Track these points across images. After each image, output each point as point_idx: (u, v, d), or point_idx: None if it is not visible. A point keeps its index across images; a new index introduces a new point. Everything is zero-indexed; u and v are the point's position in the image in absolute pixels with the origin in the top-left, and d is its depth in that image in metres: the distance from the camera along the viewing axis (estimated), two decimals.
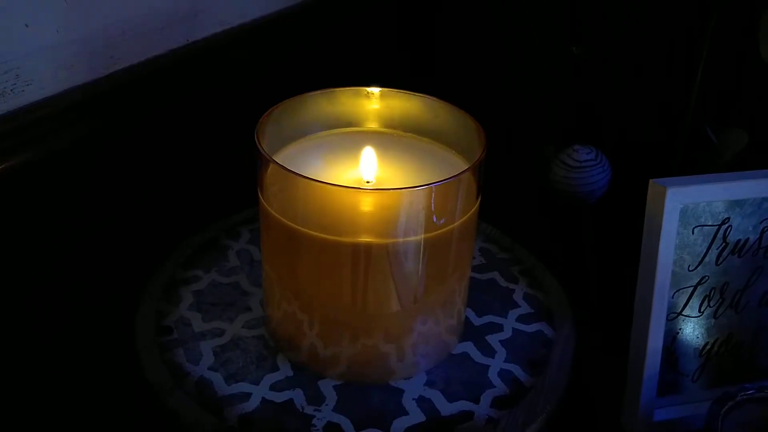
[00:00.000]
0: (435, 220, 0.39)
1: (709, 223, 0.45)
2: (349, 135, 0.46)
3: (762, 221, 0.45)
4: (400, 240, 0.39)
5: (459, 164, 0.44)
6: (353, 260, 0.40)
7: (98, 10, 0.49)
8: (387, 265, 0.40)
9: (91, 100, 0.49)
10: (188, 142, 0.55)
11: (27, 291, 0.47)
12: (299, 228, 0.40)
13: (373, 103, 0.46)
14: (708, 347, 0.47)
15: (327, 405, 0.41)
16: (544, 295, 0.49)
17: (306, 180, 0.38)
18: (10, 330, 0.46)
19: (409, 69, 0.67)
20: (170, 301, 0.47)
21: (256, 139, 0.41)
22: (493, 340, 0.45)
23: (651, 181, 0.44)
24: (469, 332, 0.46)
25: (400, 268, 0.40)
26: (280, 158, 0.43)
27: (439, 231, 0.39)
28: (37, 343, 0.48)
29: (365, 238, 0.39)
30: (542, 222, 0.63)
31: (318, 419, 0.40)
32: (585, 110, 0.63)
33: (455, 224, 0.40)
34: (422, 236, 0.39)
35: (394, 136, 0.46)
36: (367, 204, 0.39)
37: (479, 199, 0.41)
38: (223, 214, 0.54)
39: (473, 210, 0.41)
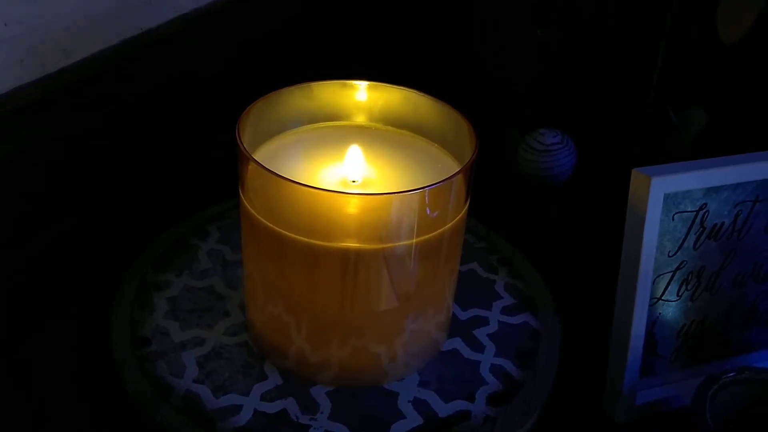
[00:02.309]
0: (427, 222, 0.38)
1: (689, 209, 0.45)
2: (331, 129, 0.44)
3: (736, 205, 0.46)
4: (391, 245, 0.38)
5: (444, 159, 0.43)
6: (342, 265, 0.38)
7: (48, 1, 0.46)
8: (378, 269, 0.39)
9: (44, 98, 0.46)
10: (148, 136, 0.52)
11: None
12: (285, 232, 0.38)
13: (356, 96, 0.44)
14: (685, 329, 0.48)
15: (322, 413, 0.40)
16: (524, 284, 0.49)
17: (292, 184, 0.37)
18: None
19: (373, 54, 0.65)
20: (144, 310, 0.45)
21: (237, 137, 0.39)
22: (480, 334, 0.45)
23: (634, 170, 0.44)
24: (456, 327, 0.45)
25: (391, 273, 0.39)
26: (260, 155, 0.42)
27: (431, 234, 0.38)
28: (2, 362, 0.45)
29: (355, 243, 0.38)
30: (509, 206, 0.63)
31: (315, 429, 0.39)
32: (550, 93, 0.62)
33: (447, 226, 0.39)
34: (414, 240, 0.38)
35: (377, 131, 0.45)
36: (356, 208, 0.38)
37: (469, 199, 0.40)
38: (189, 211, 0.52)
39: (464, 211, 0.40)
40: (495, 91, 0.63)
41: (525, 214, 0.62)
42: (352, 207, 0.38)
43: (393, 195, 0.37)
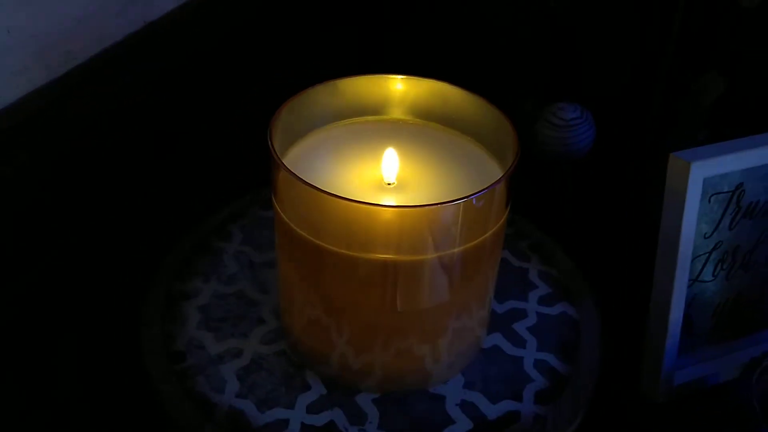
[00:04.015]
0: (469, 230, 0.37)
1: (725, 190, 0.44)
2: (360, 126, 0.43)
3: None
4: (432, 256, 0.36)
5: (479, 154, 0.41)
6: (382, 276, 0.37)
7: (48, 3, 0.43)
8: (419, 278, 0.37)
9: (53, 104, 0.44)
10: (158, 132, 0.50)
11: None
12: (321, 243, 0.37)
13: (384, 90, 0.42)
14: (720, 308, 0.48)
15: (371, 423, 0.39)
16: (558, 271, 0.48)
17: (328, 196, 0.35)
18: None
19: (379, 26, 0.63)
20: (175, 321, 0.43)
21: (269, 143, 0.37)
22: (520, 328, 0.44)
23: (672, 155, 0.43)
24: (495, 322, 0.44)
25: (432, 280, 0.38)
26: (290, 157, 0.40)
27: (474, 243, 0.37)
28: (25, 390, 0.43)
29: (394, 255, 0.36)
30: (525, 181, 0.62)
31: None
32: (563, 63, 0.61)
33: (489, 233, 0.37)
34: (456, 249, 0.37)
35: (406, 124, 0.43)
36: (395, 219, 0.36)
37: (510, 202, 0.39)
38: (206, 212, 0.50)
39: (506, 214, 0.39)
40: (506, 62, 0.62)
41: (541, 191, 0.61)
42: (391, 218, 0.36)
43: (433, 207, 0.35)
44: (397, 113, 0.43)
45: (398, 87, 0.42)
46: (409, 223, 0.36)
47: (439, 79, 0.42)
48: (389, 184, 0.40)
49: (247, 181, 0.51)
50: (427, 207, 0.35)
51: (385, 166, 0.40)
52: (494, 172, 0.40)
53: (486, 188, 0.35)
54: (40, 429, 0.42)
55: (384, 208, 0.36)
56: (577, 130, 0.56)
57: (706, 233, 0.45)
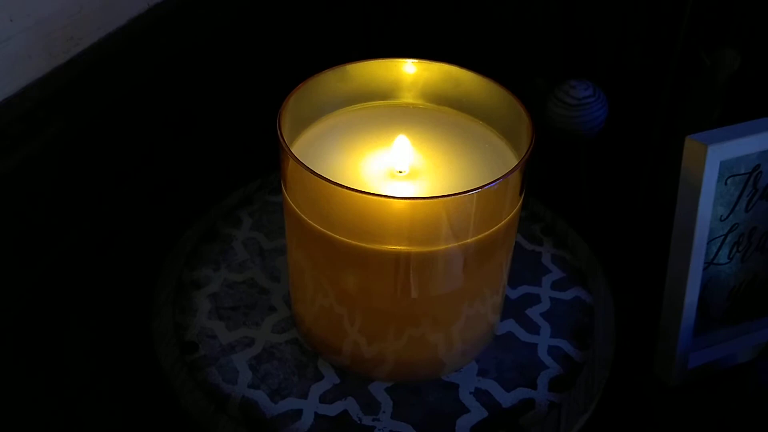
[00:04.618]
0: (483, 220, 0.36)
1: (742, 172, 0.44)
2: (370, 111, 0.42)
3: None
4: (445, 247, 0.36)
5: (492, 139, 0.41)
6: (395, 266, 0.36)
7: None
8: (432, 268, 0.37)
9: (57, 92, 0.43)
10: (165, 120, 0.50)
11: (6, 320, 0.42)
12: (330, 234, 0.36)
13: (394, 74, 0.42)
14: (735, 290, 0.47)
15: (384, 412, 0.39)
16: (571, 255, 0.47)
17: (338, 187, 0.34)
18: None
19: (384, 10, 0.62)
20: (185, 311, 0.43)
21: (277, 129, 0.36)
22: (533, 314, 0.44)
23: (688, 138, 0.42)
24: (508, 308, 0.44)
25: (446, 269, 0.37)
26: (300, 145, 0.40)
27: (488, 232, 0.36)
28: (36, 382, 0.43)
29: (406, 247, 0.36)
30: (537, 160, 0.61)
31: (379, 430, 0.38)
32: (574, 40, 0.60)
33: (503, 222, 0.37)
34: (469, 240, 0.36)
35: (416, 109, 0.42)
36: (407, 210, 0.36)
37: (525, 189, 0.38)
38: (214, 199, 0.50)
39: (520, 201, 0.38)
40: (517, 41, 0.61)
41: (554, 172, 0.60)
42: (403, 210, 0.35)
43: (446, 198, 0.34)
44: (408, 98, 0.43)
45: (409, 71, 0.42)
46: (422, 215, 0.35)
47: (447, 61, 0.41)
48: (400, 172, 0.39)
49: (255, 169, 0.51)
50: (439, 198, 0.35)
51: (397, 154, 0.39)
52: (507, 157, 0.40)
53: (500, 178, 0.35)
54: (50, 421, 0.42)
55: (395, 199, 0.35)
56: (589, 108, 0.55)
57: (722, 215, 0.45)
